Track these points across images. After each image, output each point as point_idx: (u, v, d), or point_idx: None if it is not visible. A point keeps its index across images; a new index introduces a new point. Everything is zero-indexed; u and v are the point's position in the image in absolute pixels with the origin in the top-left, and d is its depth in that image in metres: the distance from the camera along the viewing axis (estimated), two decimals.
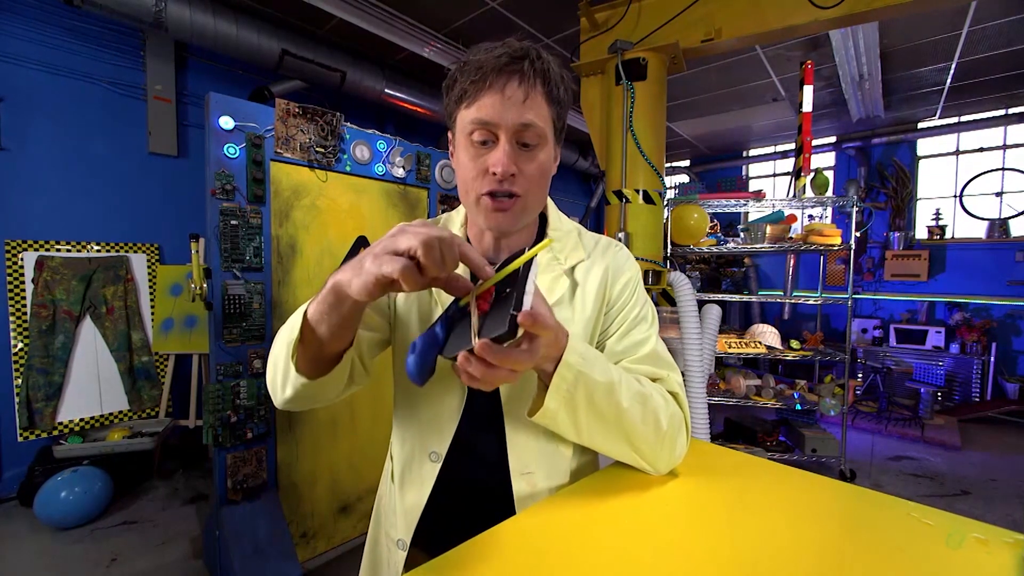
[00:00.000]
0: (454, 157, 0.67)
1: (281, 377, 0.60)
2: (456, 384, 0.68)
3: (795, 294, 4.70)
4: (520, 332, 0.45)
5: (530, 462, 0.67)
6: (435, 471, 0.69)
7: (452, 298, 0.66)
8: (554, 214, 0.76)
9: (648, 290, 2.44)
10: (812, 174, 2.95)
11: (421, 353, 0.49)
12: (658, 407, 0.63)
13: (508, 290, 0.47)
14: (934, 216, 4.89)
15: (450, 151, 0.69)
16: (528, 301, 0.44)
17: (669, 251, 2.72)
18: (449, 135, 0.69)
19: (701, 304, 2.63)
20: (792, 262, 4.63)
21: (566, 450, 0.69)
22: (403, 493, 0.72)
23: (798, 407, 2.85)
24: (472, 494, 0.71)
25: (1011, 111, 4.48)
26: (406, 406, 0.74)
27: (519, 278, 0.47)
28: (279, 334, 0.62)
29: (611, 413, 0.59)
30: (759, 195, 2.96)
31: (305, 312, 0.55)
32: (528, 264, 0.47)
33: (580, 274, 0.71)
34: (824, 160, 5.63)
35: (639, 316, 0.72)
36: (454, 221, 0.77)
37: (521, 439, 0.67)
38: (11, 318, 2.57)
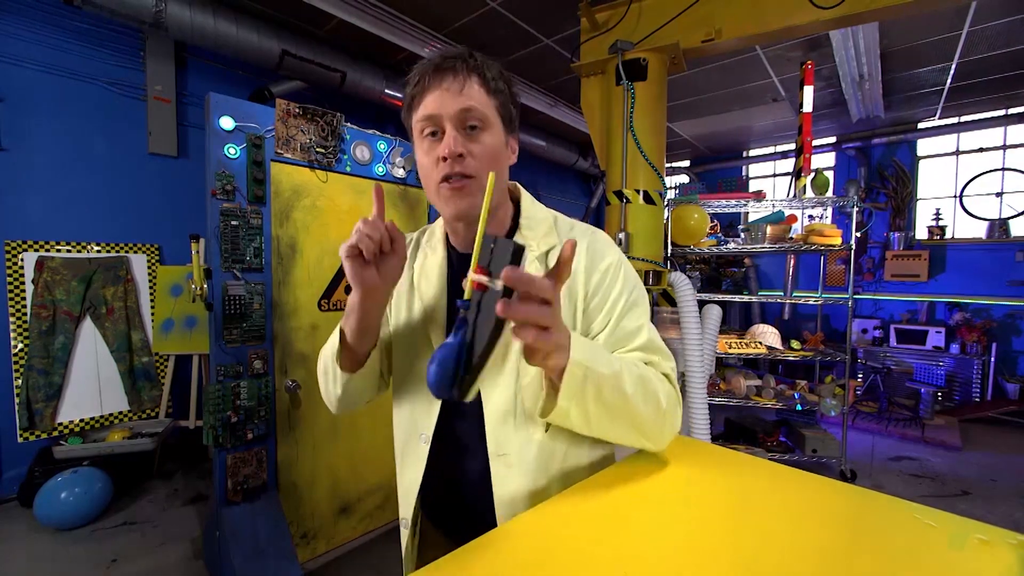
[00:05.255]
0: (417, 162, 0.72)
1: (331, 379, 0.73)
2: None
3: (795, 294, 4.70)
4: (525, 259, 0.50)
5: (504, 444, 0.70)
6: (426, 452, 0.74)
7: (432, 289, 0.75)
8: (527, 202, 0.77)
9: (648, 291, 2.45)
10: (812, 174, 2.96)
11: (441, 361, 0.49)
12: (657, 388, 0.65)
13: (492, 245, 0.50)
14: (934, 216, 4.89)
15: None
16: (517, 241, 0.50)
17: (669, 251, 2.72)
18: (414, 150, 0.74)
19: (701, 304, 2.63)
20: (792, 262, 4.64)
21: (536, 434, 0.69)
22: (402, 474, 0.78)
23: (798, 407, 2.85)
24: (457, 475, 0.75)
25: (1011, 111, 4.48)
26: (399, 392, 0.79)
27: (490, 239, 0.51)
28: (321, 353, 0.76)
29: (618, 402, 0.60)
30: (759, 195, 2.96)
31: (341, 328, 0.70)
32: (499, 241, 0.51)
33: (555, 262, 0.71)
34: (824, 160, 5.63)
35: (629, 303, 0.71)
36: (438, 223, 0.82)
37: (497, 423, 0.70)
38: (11, 318, 2.57)
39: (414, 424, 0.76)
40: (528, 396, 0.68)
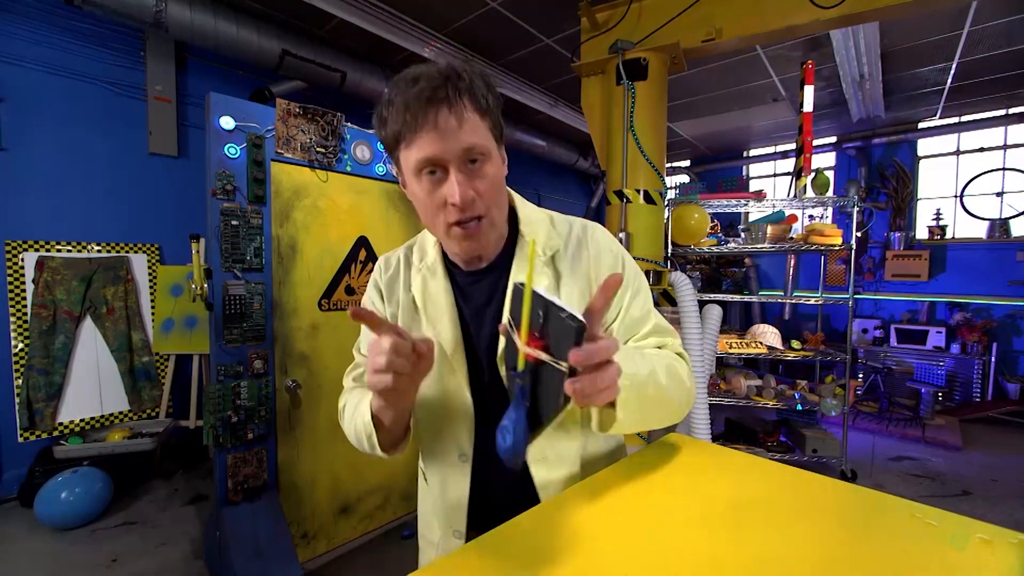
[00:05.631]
0: (407, 188, 0.68)
1: (369, 449, 0.69)
2: (463, 388, 0.71)
3: (796, 294, 4.69)
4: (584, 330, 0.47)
5: (543, 449, 0.72)
6: (468, 470, 0.74)
7: (442, 314, 0.72)
8: (520, 204, 0.76)
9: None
10: (813, 174, 2.95)
11: (512, 432, 0.49)
12: (680, 371, 0.70)
13: (542, 312, 0.48)
14: (935, 216, 4.88)
15: (401, 181, 0.70)
16: (570, 309, 0.46)
17: (670, 251, 2.72)
18: (395, 168, 0.69)
19: (702, 304, 2.63)
20: (792, 262, 4.62)
21: (573, 431, 0.73)
22: (445, 493, 0.77)
23: (799, 407, 2.85)
24: (502, 485, 0.74)
25: (1011, 111, 4.48)
26: (424, 418, 0.77)
27: (539, 302, 0.48)
28: (350, 424, 0.72)
29: (658, 396, 0.64)
30: (760, 195, 2.95)
31: (375, 416, 0.66)
32: (533, 292, 0.48)
33: (562, 265, 0.73)
34: (824, 160, 5.63)
35: (635, 291, 0.75)
36: (427, 240, 0.79)
37: None
38: (11, 318, 2.57)
39: (448, 445, 0.75)
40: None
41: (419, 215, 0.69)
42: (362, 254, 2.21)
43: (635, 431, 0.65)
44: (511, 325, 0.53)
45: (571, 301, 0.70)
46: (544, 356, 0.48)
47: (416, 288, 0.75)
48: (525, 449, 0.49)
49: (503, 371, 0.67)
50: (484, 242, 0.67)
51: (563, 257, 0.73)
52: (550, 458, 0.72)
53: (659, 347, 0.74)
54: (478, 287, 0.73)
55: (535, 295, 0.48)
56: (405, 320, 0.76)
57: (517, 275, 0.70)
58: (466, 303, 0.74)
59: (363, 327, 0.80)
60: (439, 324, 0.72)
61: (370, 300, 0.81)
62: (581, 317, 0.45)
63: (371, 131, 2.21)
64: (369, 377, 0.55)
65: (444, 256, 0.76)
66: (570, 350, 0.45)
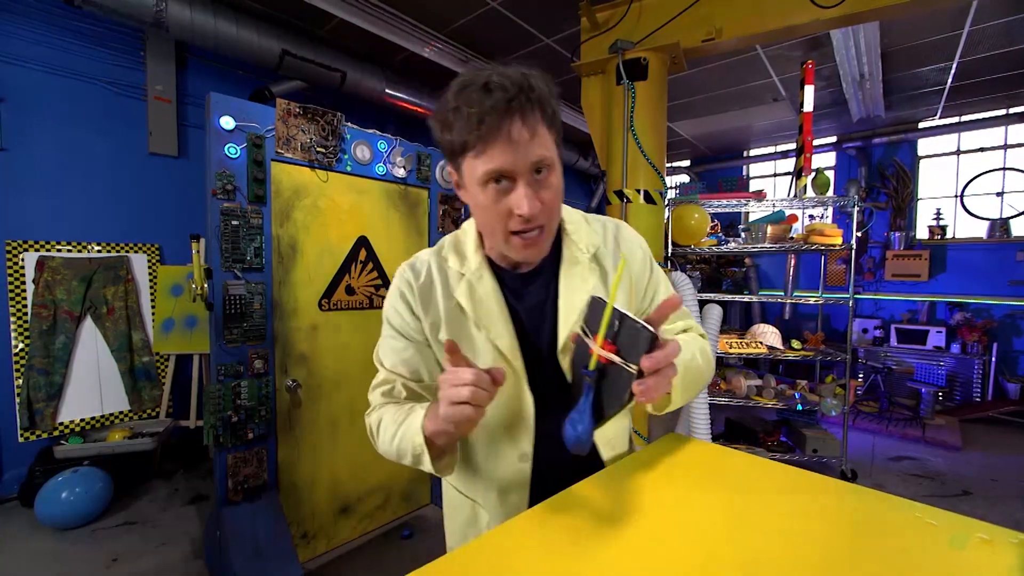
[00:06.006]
0: (464, 191, 0.68)
1: (413, 465, 0.70)
2: (523, 388, 0.73)
3: (796, 294, 4.69)
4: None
5: (606, 431, 0.80)
6: (528, 469, 0.75)
7: (495, 318, 0.74)
8: (562, 210, 0.78)
9: None
10: (813, 174, 2.95)
11: (580, 424, 0.57)
12: (707, 349, 0.80)
13: (617, 322, 0.57)
14: (935, 216, 4.88)
15: (454, 181, 0.70)
16: (642, 321, 0.55)
17: (670, 251, 2.72)
18: (450, 168, 0.69)
19: (702, 304, 2.63)
20: (793, 262, 4.63)
21: (625, 414, 0.83)
22: (505, 497, 0.76)
23: (799, 407, 2.85)
24: (568, 473, 0.73)
25: (1012, 111, 4.48)
26: (478, 431, 0.75)
27: (616, 314, 0.56)
28: (390, 446, 0.71)
29: (697, 375, 0.73)
30: (760, 195, 2.95)
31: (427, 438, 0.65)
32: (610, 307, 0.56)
33: (606, 262, 0.78)
34: (825, 160, 5.62)
35: (660, 279, 0.84)
36: (466, 244, 0.77)
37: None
38: (12, 318, 2.57)
39: (505, 450, 0.75)
40: None
41: (476, 219, 0.71)
42: (362, 254, 2.21)
43: (677, 408, 0.71)
44: (584, 331, 0.60)
45: (618, 296, 0.73)
46: (616, 359, 0.56)
47: (461, 293, 0.74)
48: (592, 438, 0.58)
49: (564, 363, 0.72)
50: (543, 249, 0.70)
51: (605, 254, 0.78)
52: (612, 439, 0.81)
53: (685, 330, 0.83)
54: (532, 288, 0.76)
55: (614, 310, 0.57)
56: (451, 327, 0.74)
57: (571, 278, 0.75)
58: (520, 303, 0.75)
59: (384, 335, 0.79)
60: (492, 327, 0.72)
61: (394, 309, 0.77)
62: (651, 328, 0.54)
63: (371, 131, 2.21)
64: (446, 408, 0.57)
65: (487, 258, 0.76)
66: (643, 356, 0.53)
